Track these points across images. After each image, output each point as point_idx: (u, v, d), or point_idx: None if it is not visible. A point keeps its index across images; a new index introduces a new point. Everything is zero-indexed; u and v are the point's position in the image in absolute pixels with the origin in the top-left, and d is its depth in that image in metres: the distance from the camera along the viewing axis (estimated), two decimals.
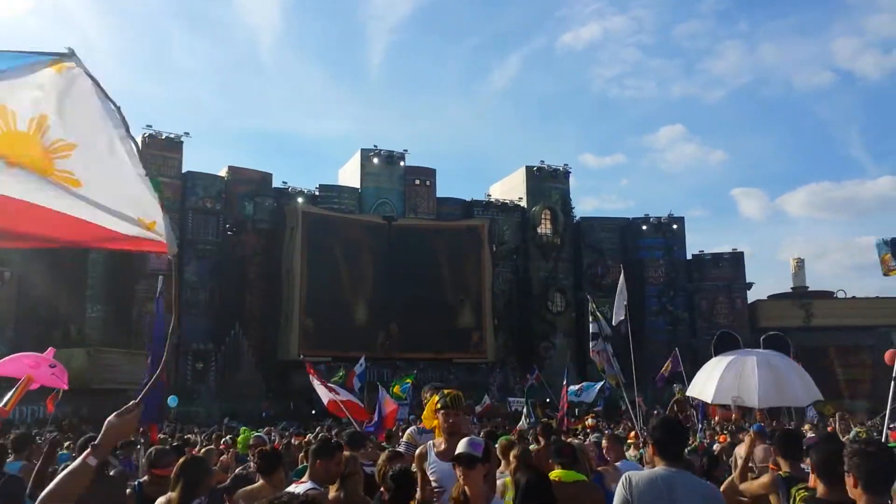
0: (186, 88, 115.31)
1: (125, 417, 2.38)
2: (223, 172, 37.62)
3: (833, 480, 3.25)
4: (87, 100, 2.32)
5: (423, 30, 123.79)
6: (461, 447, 3.57)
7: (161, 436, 10.86)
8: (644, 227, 45.08)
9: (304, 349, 33.23)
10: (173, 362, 29.90)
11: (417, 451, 4.60)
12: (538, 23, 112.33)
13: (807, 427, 12.75)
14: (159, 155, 34.09)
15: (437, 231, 40.73)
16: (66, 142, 2.31)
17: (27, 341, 22.43)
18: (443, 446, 4.38)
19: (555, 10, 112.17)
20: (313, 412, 24.82)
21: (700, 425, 14.76)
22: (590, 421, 18.25)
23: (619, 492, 3.31)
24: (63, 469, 2.42)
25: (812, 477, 3.43)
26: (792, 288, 46.26)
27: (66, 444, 11.23)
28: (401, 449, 5.71)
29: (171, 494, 4.05)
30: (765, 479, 4.55)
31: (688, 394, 6.38)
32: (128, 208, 2.38)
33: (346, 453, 4.69)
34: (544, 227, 43.20)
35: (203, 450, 9.30)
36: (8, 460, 5.82)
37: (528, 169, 44.27)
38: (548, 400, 27.33)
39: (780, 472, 4.44)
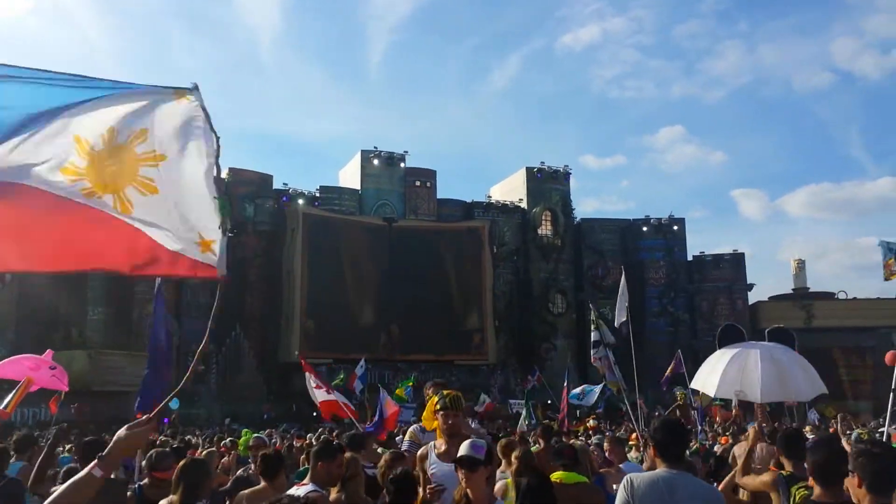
0: None
1: (135, 431, 2.32)
2: (223, 174, 37.42)
3: (830, 482, 3.25)
4: (191, 123, 2.53)
5: (422, 30, 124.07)
6: (463, 450, 3.56)
7: (162, 438, 10.86)
8: (644, 229, 45.08)
9: (305, 351, 33.22)
10: (174, 364, 29.88)
11: (419, 452, 4.60)
12: (538, 23, 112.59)
13: (808, 429, 12.74)
14: None
15: (437, 232, 40.74)
16: (156, 153, 2.51)
17: (28, 343, 22.39)
18: (443, 447, 4.38)
19: (554, 11, 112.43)
20: (315, 414, 24.76)
21: (700, 427, 14.75)
22: (591, 423, 18.23)
23: (620, 494, 3.30)
24: (64, 474, 2.41)
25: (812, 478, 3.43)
26: (793, 289, 46.25)
27: (68, 446, 11.22)
28: (404, 447, 5.70)
29: (173, 497, 4.05)
30: (766, 476, 4.55)
31: (691, 386, 6.36)
32: (190, 223, 2.50)
33: (348, 455, 4.69)
34: (545, 229, 43.21)
35: (204, 452, 9.29)
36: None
37: (529, 170, 44.29)
38: (549, 402, 27.31)
39: (783, 472, 4.44)
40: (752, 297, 44.96)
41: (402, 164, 41.63)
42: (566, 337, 41.50)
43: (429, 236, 40.14)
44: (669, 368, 21.23)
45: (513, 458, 4.69)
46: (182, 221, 2.49)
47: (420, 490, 4.21)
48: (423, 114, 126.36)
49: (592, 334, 12.24)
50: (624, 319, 11.68)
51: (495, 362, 39.59)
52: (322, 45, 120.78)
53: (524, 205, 43.65)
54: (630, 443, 10.45)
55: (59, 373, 7.68)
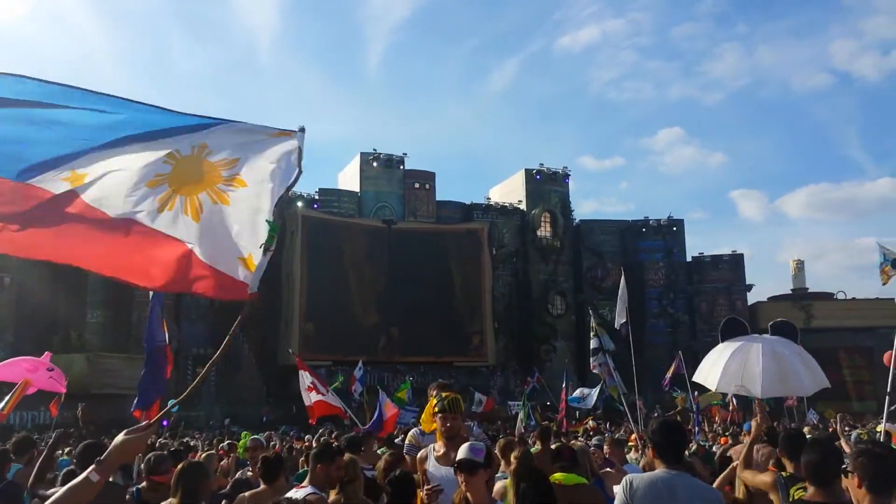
0: (184, 91, 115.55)
1: (135, 436, 2.29)
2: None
3: (823, 482, 3.25)
4: (282, 156, 2.64)
5: (421, 32, 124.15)
6: (462, 453, 3.55)
7: (161, 441, 10.85)
8: (644, 230, 45.08)
9: (305, 353, 33.19)
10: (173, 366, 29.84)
11: (419, 455, 4.59)
12: (536, 25, 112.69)
13: (807, 429, 12.74)
14: None
15: (437, 234, 40.73)
16: (239, 179, 2.62)
17: (27, 346, 22.36)
18: (442, 450, 4.37)
19: (553, 13, 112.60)
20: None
21: (696, 428, 14.78)
22: (591, 423, 18.23)
23: (618, 495, 3.30)
24: (63, 477, 2.41)
25: None
26: (792, 289, 46.26)
27: (67, 449, 11.21)
28: (405, 451, 5.68)
29: (171, 501, 4.04)
30: (766, 476, 4.55)
31: (694, 379, 6.33)
32: (243, 239, 2.57)
33: (347, 457, 4.68)
34: (544, 230, 43.19)
35: (204, 455, 9.28)
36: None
37: (528, 172, 44.29)
38: (548, 403, 27.31)
39: (783, 473, 4.44)
40: (752, 297, 45.04)
41: (402, 167, 41.63)
42: (565, 338, 41.48)
43: (428, 238, 40.12)
44: (671, 369, 21.26)
45: (511, 458, 4.69)
46: (238, 237, 2.56)
47: (420, 491, 4.20)
48: (422, 115, 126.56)
49: (592, 341, 12.29)
50: (624, 321, 11.71)
51: (495, 364, 39.57)
52: (320, 46, 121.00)
53: (523, 206, 43.64)
54: (629, 444, 10.45)
55: (57, 374, 7.67)
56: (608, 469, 6.30)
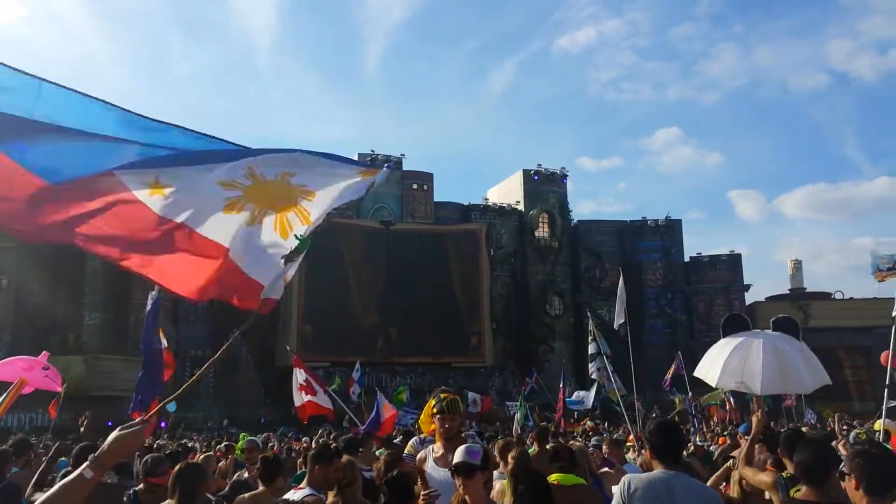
0: (183, 92, 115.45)
1: (129, 432, 2.29)
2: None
3: (816, 481, 3.25)
4: (353, 185, 2.91)
5: (419, 33, 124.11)
6: (459, 456, 3.54)
7: (160, 442, 10.84)
8: (641, 230, 45.09)
9: (303, 354, 33.13)
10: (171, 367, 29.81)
11: (419, 456, 4.59)
12: (534, 27, 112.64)
13: (805, 429, 12.73)
14: None
15: (435, 235, 40.71)
16: (308, 215, 2.94)
17: (24, 348, 22.20)
18: (440, 452, 4.36)
19: (550, 14, 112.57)
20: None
21: (692, 428, 14.78)
22: (589, 424, 18.24)
23: (616, 495, 3.29)
24: (61, 477, 2.39)
25: None
26: (789, 289, 46.31)
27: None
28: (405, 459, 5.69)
29: (169, 502, 4.03)
30: (767, 477, 4.55)
31: (694, 374, 6.31)
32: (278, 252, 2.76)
33: (345, 458, 4.67)
34: (542, 231, 43.20)
35: (202, 456, 9.27)
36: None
37: (526, 172, 44.29)
38: (547, 403, 27.32)
39: (784, 473, 4.44)
40: (749, 297, 45.05)
41: (400, 168, 41.64)
42: (563, 339, 41.49)
43: (426, 239, 40.10)
44: (670, 370, 21.26)
45: (509, 459, 4.68)
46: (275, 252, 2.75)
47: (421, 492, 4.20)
48: (420, 117, 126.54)
49: (590, 346, 12.30)
50: (622, 321, 11.72)
51: (493, 364, 39.55)
52: (319, 47, 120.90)
53: (521, 207, 43.63)
54: (628, 444, 10.44)
55: (53, 373, 7.63)
56: (607, 469, 6.29)
